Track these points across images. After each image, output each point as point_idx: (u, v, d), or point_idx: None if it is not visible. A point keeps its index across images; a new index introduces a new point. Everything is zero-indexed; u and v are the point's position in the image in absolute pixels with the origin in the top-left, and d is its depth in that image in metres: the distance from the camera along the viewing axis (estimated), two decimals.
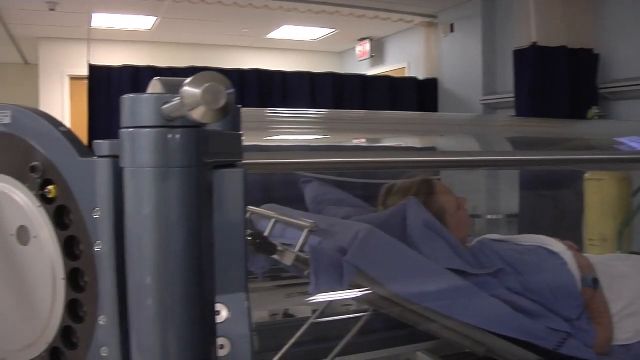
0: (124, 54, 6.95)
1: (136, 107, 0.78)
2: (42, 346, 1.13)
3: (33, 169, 1.09)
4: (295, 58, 8.35)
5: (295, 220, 1.76)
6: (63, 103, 7.50)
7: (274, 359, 2.17)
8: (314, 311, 3.86)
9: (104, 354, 1.06)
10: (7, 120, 1.15)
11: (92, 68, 5.42)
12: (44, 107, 1.18)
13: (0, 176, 1.18)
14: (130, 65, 5.56)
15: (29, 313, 1.15)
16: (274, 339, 2.49)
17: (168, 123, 0.75)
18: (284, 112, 3.42)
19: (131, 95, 0.80)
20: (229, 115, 0.59)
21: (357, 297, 1.88)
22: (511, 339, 1.77)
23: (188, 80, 0.59)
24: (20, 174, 1.13)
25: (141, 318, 0.83)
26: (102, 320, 1.06)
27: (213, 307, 0.89)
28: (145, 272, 0.81)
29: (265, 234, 1.79)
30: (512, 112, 5.69)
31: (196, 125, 0.78)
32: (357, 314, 3.04)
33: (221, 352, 0.93)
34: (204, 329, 0.86)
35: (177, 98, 0.70)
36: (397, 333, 2.67)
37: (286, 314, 3.77)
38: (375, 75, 7.50)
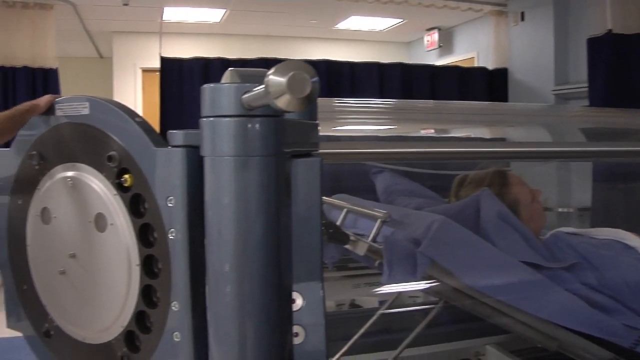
0: (195, 46, 7.07)
1: (217, 97, 0.79)
2: (117, 330, 1.16)
3: (110, 158, 1.12)
4: (363, 49, 8.31)
5: (368, 211, 1.75)
6: (135, 95, 7.71)
7: (342, 349, 2.17)
8: (380, 302, 3.85)
9: (177, 339, 1.08)
10: (85, 111, 1.19)
11: (164, 60, 5.54)
12: (117, 99, 1.25)
13: (79, 165, 1.22)
14: (201, 57, 5.65)
15: (106, 297, 1.19)
16: (341, 329, 2.49)
17: (248, 112, 0.76)
18: (351, 102, 3.41)
19: (211, 85, 0.81)
20: (311, 104, 0.59)
21: (427, 288, 1.86)
22: (585, 335, 1.71)
23: (273, 69, 0.59)
24: (98, 163, 1.16)
25: (219, 305, 0.84)
26: (175, 306, 1.08)
27: (290, 295, 0.89)
28: (225, 260, 0.82)
29: (337, 224, 1.78)
30: (586, 102, 5.50)
31: (275, 115, 0.79)
32: (425, 306, 3.02)
33: (296, 340, 0.94)
34: (281, 317, 0.86)
35: (258, 88, 0.71)
36: (467, 326, 2.62)
37: (353, 305, 3.77)
38: (444, 66, 7.39)
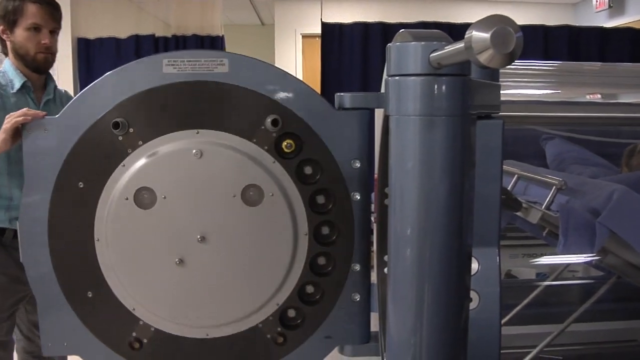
0: (354, 11, 7.08)
1: (403, 56, 0.78)
2: (270, 309, 1.10)
3: (275, 122, 1.04)
4: (527, 11, 7.91)
5: (543, 178, 1.68)
6: (296, 60, 7.89)
7: (504, 319, 2.12)
8: (537, 274, 3.72)
9: (357, 299, 1.10)
10: (222, 69, 1.07)
11: (325, 26, 5.60)
12: (279, 65, 1.15)
13: (212, 132, 1.07)
14: (361, 22, 5.66)
15: (257, 277, 1.10)
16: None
17: (435, 71, 0.75)
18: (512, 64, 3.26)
19: (398, 44, 0.80)
20: (515, 60, 0.57)
21: (600, 262, 1.76)
22: None
23: (475, 23, 0.57)
24: (246, 129, 1.06)
25: (398, 268, 0.84)
26: (357, 267, 1.10)
27: (470, 260, 0.88)
28: (406, 223, 0.82)
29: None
30: None
31: (462, 74, 0.77)
32: (592, 280, 2.88)
33: (470, 305, 0.93)
34: (459, 282, 0.85)
35: (449, 46, 0.69)
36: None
37: (508, 275, 3.67)
38: (615, 28, 6.86)
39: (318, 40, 5.61)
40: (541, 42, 6.00)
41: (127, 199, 1.08)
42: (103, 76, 1.12)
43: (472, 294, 0.93)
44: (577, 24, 7.03)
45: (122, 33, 5.71)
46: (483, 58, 0.56)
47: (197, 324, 1.12)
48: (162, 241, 1.09)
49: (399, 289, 0.85)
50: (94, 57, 5.70)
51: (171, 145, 1.08)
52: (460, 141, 0.78)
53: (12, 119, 1.43)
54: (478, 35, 0.57)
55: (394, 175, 0.81)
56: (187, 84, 1.07)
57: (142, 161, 1.08)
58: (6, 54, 2.08)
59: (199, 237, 1.07)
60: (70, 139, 1.10)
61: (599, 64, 5.50)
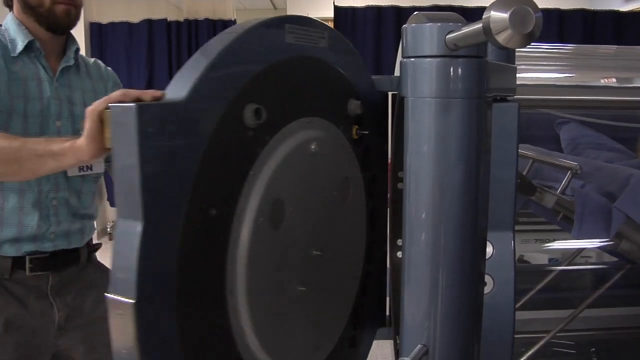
0: None
1: (419, 37, 0.77)
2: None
3: (356, 107, 0.93)
4: None
5: (558, 162, 1.66)
6: None
7: (517, 304, 2.12)
8: (549, 260, 3.71)
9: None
10: (323, 43, 0.89)
11: (337, 9, 5.59)
12: None
13: (317, 121, 0.88)
14: (374, 5, 5.64)
15: (347, 282, 1.00)
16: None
17: (451, 53, 0.74)
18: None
19: (413, 25, 0.79)
20: (533, 41, 0.56)
21: (613, 247, 1.75)
22: None
23: (493, 3, 0.56)
24: (335, 114, 0.92)
25: (412, 251, 0.84)
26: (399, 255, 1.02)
27: (485, 245, 0.87)
28: (421, 207, 0.81)
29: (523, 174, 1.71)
30: None
31: (479, 56, 0.76)
32: (605, 266, 2.87)
33: (484, 289, 0.92)
34: (473, 267, 0.84)
35: (465, 26, 0.68)
36: None
37: (521, 260, 3.67)
38: (632, 11, 6.78)
39: (331, 24, 5.59)
40: (556, 25, 5.95)
41: (261, 219, 0.78)
42: (219, 40, 0.76)
43: (487, 278, 0.93)
44: (592, 8, 6.95)
45: (135, 17, 5.71)
46: (501, 38, 0.55)
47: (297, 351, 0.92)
48: (280, 265, 0.84)
49: (414, 273, 0.84)
50: (106, 42, 5.72)
51: (292, 139, 0.83)
52: (476, 124, 0.77)
53: (99, 104, 0.97)
54: (496, 15, 0.56)
55: (409, 159, 0.80)
56: (300, 59, 0.84)
57: (271, 164, 0.80)
58: (10, 6, 1.57)
59: (316, 252, 0.89)
60: (200, 138, 0.71)
61: (614, 47, 5.44)
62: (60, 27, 1.51)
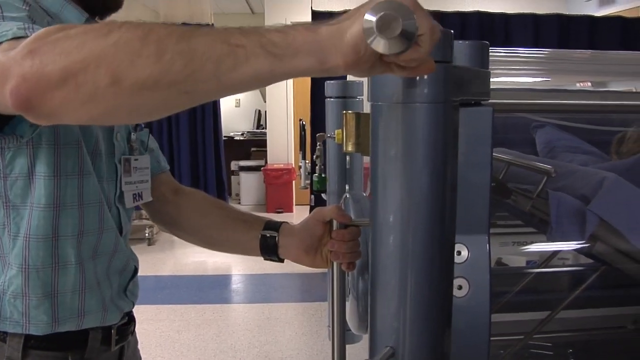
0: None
1: None
2: None
3: None
4: None
5: (533, 165, 1.68)
6: None
7: (495, 307, 2.13)
8: (527, 262, 3.74)
9: None
10: None
11: (315, 14, 5.60)
12: None
13: None
14: (351, 9, 5.65)
15: None
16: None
17: None
18: (500, 51, 3.27)
19: None
20: (408, 44, 0.61)
21: (589, 249, 1.77)
22: None
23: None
24: None
25: (381, 254, 0.84)
26: None
27: (453, 247, 0.87)
28: (389, 211, 0.81)
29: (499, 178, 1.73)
30: None
31: (444, 61, 0.76)
32: (581, 268, 2.90)
33: (459, 293, 0.93)
34: (442, 269, 0.85)
35: None
36: (627, 292, 2.49)
37: (499, 263, 3.69)
38: (606, 16, 6.88)
39: None
40: (531, 31, 6.01)
41: None
42: None
43: (462, 282, 0.93)
44: (567, 13, 7.04)
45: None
46: (374, 45, 0.60)
47: None
48: None
49: (382, 275, 0.84)
50: None
51: None
52: (442, 128, 0.78)
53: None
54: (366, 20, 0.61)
55: (377, 163, 0.81)
56: None
57: None
58: None
59: None
60: None
61: (589, 51, 5.52)
62: (107, 7, 1.21)
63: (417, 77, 0.75)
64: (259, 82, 0.71)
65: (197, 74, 0.69)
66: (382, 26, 0.62)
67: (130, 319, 1.29)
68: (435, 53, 0.72)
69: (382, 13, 0.62)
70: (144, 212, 1.39)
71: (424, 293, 0.83)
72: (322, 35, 0.67)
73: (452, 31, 0.77)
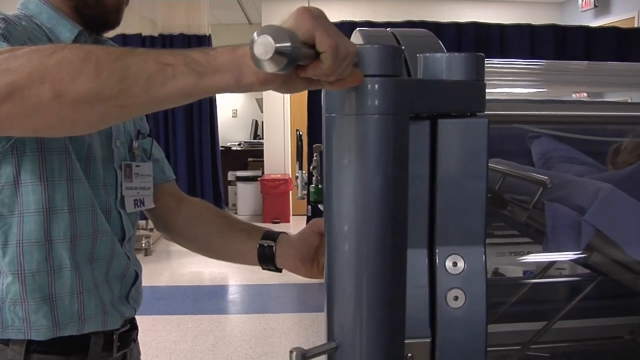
0: (341, 10, 7.11)
1: None
2: None
3: None
4: (514, 9, 7.97)
5: (528, 176, 1.69)
6: None
7: (492, 318, 2.13)
8: (524, 272, 3.74)
9: None
10: None
11: None
12: None
13: None
14: (347, 20, 5.68)
15: None
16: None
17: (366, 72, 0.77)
18: (494, 62, 3.28)
19: None
20: (287, 63, 0.65)
21: (586, 259, 1.77)
22: None
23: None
24: None
25: (337, 262, 0.85)
26: None
27: (405, 256, 0.87)
28: (344, 220, 0.83)
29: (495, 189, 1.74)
30: None
31: (394, 75, 0.78)
32: (578, 278, 2.90)
33: (455, 304, 0.93)
34: (396, 277, 0.86)
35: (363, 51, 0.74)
36: (624, 302, 2.50)
37: (496, 273, 3.69)
38: (601, 27, 6.93)
39: None
40: (527, 41, 6.04)
41: None
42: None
43: (458, 292, 0.93)
44: (563, 23, 7.09)
45: (109, 32, 5.69)
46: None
47: None
48: None
49: (337, 282, 0.85)
50: None
51: None
52: (392, 139, 0.80)
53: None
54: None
55: (331, 173, 0.82)
56: None
57: None
58: None
59: None
60: None
61: (585, 62, 5.54)
62: (108, 23, 1.22)
63: (355, 90, 0.77)
64: (185, 96, 0.78)
65: (130, 90, 0.76)
66: (257, 48, 0.66)
67: (132, 326, 1.30)
68: (376, 67, 0.76)
69: (255, 37, 0.67)
70: (140, 222, 1.41)
71: (378, 299, 0.84)
72: (239, 54, 0.75)
73: (402, 47, 0.81)
